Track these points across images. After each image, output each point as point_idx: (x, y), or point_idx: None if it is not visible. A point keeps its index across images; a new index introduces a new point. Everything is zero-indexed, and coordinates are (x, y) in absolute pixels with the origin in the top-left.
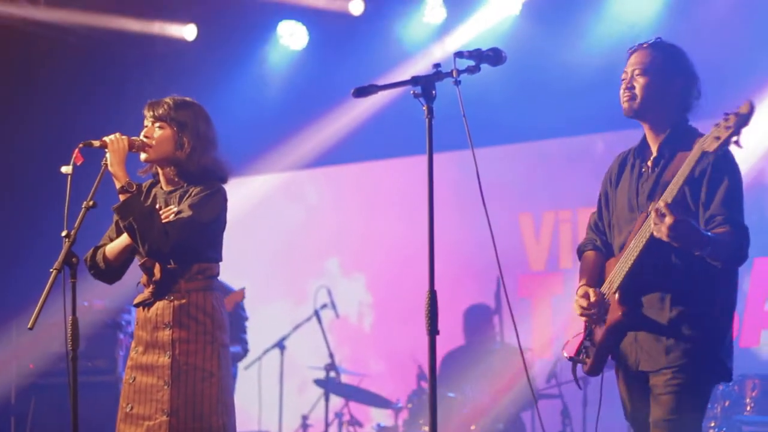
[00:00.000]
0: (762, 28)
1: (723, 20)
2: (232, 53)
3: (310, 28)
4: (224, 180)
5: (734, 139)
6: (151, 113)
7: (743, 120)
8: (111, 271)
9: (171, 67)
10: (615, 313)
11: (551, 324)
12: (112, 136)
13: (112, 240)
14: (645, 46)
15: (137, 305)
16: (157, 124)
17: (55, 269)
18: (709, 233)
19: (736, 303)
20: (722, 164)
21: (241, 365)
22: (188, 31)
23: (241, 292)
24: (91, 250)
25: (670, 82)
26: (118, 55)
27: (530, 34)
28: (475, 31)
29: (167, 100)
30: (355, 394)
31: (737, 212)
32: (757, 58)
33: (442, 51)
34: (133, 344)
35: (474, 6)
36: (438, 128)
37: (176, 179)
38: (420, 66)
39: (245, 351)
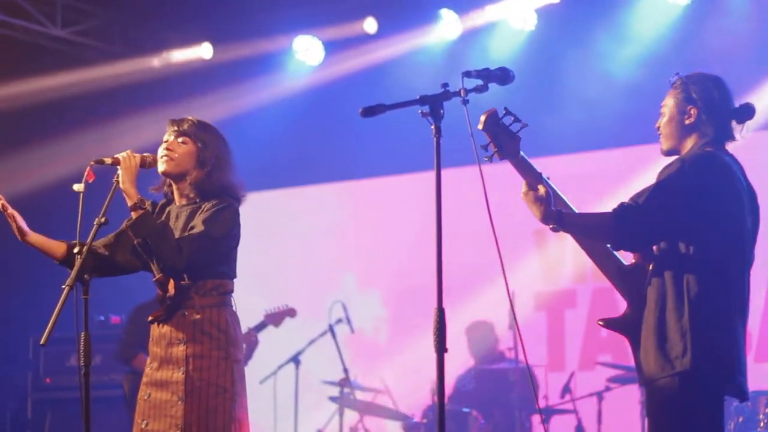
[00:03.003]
0: None
1: (739, 30)
2: (248, 68)
3: (326, 43)
4: (240, 201)
5: None
6: (175, 128)
7: None
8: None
9: (188, 84)
10: None
11: (565, 339)
12: (123, 153)
13: (106, 245)
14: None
15: (152, 321)
16: (179, 139)
17: (68, 285)
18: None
19: (744, 315)
20: (673, 166)
21: (255, 380)
22: (204, 50)
23: (293, 310)
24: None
25: (686, 114)
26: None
27: (545, 48)
28: (490, 46)
29: (190, 118)
30: (370, 409)
31: (639, 198)
32: None
33: (457, 67)
34: (148, 360)
35: (489, 22)
36: (453, 142)
37: (191, 195)
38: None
39: None
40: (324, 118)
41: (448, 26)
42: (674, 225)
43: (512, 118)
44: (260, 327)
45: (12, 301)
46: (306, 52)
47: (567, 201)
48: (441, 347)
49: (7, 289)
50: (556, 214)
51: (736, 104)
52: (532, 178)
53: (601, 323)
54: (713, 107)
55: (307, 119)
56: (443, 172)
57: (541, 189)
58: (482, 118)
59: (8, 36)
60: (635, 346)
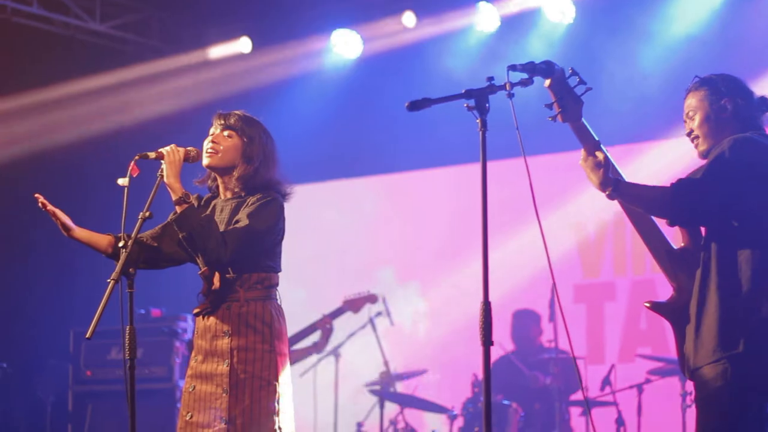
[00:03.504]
0: None
1: None
2: (287, 62)
3: (364, 36)
4: (285, 196)
5: None
6: (222, 121)
7: None
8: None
9: (228, 77)
10: None
11: (604, 331)
12: (168, 148)
13: (153, 236)
14: (688, 89)
15: (197, 314)
16: (225, 133)
17: (113, 279)
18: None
19: None
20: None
21: (295, 373)
22: (243, 45)
23: (374, 296)
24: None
25: (721, 108)
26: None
27: (584, 41)
28: (528, 39)
29: (237, 112)
30: (409, 401)
31: (696, 174)
32: None
33: (495, 60)
34: (192, 353)
35: (528, 14)
36: (491, 136)
37: (236, 189)
38: (474, 76)
39: None
40: (361, 112)
41: (485, 19)
42: (730, 201)
43: (577, 79)
44: (337, 313)
45: (52, 294)
46: (344, 45)
47: (621, 173)
48: (487, 340)
49: (47, 281)
50: (613, 181)
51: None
52: (591, 144)
53: (647, 305)
54: (744, 97)
55: (344, 113)
56: (475, 166)
57: (600, 155)
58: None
59: (47, 31)
60: (679, 331)
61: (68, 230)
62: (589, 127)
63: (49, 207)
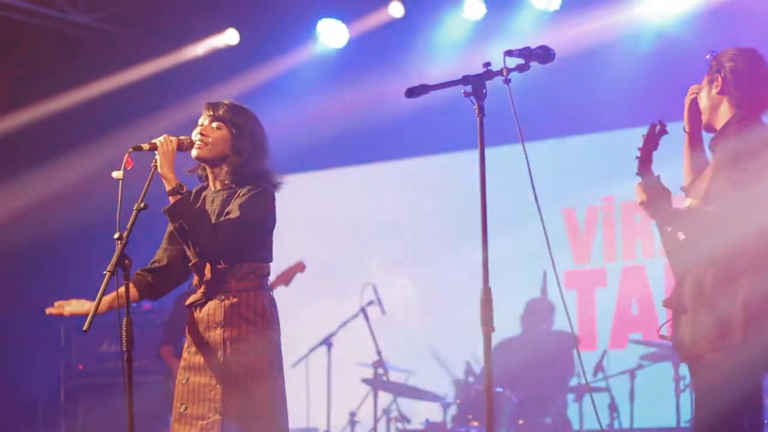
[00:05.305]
0: None
1: None
2: (272, 52)
3: (350, 26)
4: (275, 186)
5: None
6: (211, 112)
7: None
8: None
9: (214, 69)
10: None
11: (596, 318)
12: (161, 138)
13: (166, 253)
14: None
15: (189, 306)
16: (214, 124)
17: (109, 271)
18: None
19: None
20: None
21: (288, 363)
22: (230, 36)
23: (301, 264)
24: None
25: (713, 82)
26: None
27: (571, 27)
28: (514, 27)
29: (226, 102)
30: (402, 390)
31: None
32: None
33: (484, 47)
34: (185, 345)
35: (513, 1)
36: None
37: (226, 180)
38: (461, 63)
39: None
40: (347, 101)
41: (472, 7)
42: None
43: None
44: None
45: (42, 289)
46: (330, 35)
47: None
48: (488, 326)
49: (37, 276)
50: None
51: None
52: None
53: (664, 305)
54: (740, 73)
55: (331, 101)
56: (471, 153)
57: None
58: None
59: (30, 24)
60: (677, 321)
61: (96, 313)
62: None
63: (66, 311)
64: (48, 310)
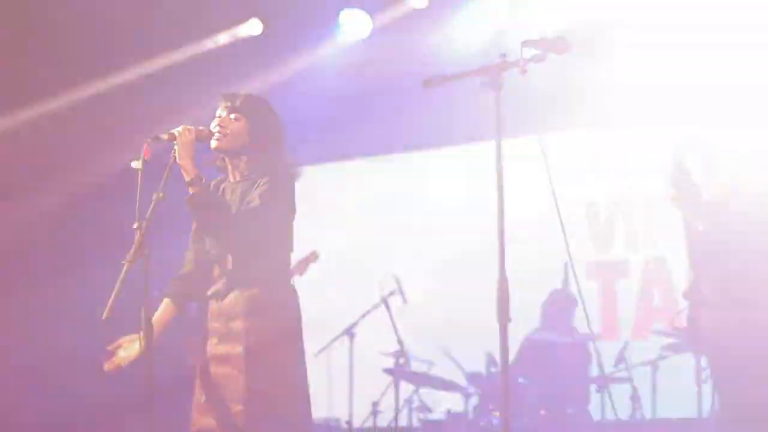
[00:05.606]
0: None
1: None
2: (294, 42)
3: (374, 16)
4: (294, 176)
5: None
6: (228, 104)
7: None
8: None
9: (236, 60)
10: None
11: (617, 309)
12: (180, 128)
13: (193, 256)
14: None
15: (210, 297)
16: (232, 115)
17: (128, 261)
18: None
19: None
20: None
21: (310, 353)
22: (253, 27)
23: (314, 254)
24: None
25: None
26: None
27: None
28: (541, 15)
29: (244, 93)
30: (424, 380)
31: None
32: None
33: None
34: (207, 336)
35: None
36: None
37: (245, 171)
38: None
39: None
40: (366, 93)
41: None
42: None
43: None
44: None
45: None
46: (352, 25)
47: None
48: (504, 317)
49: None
50: None
51: None
52: None
53: (684, 297)
54: None
55: (353, 93)
56: (487, 144)
57: None
58: None
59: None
60: (695, 313)
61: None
62: None
63: (123, 361)
64: (106, 367)
